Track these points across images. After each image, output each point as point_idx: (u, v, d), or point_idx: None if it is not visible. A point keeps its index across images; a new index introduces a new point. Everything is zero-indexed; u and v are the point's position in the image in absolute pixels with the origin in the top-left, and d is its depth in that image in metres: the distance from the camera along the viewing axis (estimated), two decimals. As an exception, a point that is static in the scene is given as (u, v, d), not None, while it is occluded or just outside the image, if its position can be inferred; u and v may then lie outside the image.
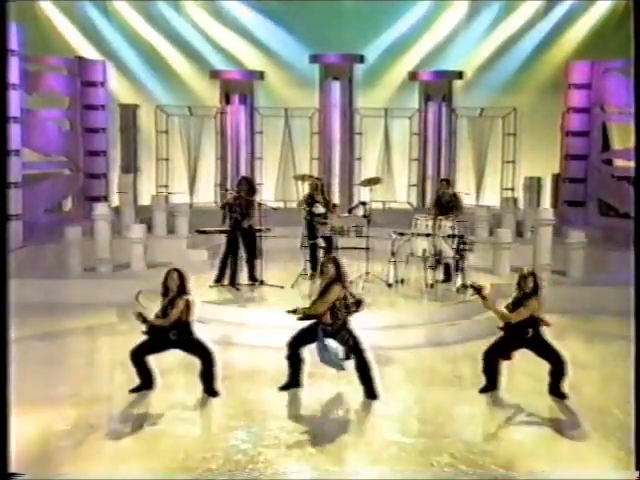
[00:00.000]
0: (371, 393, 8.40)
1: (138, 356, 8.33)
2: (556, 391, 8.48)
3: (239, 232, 11.71)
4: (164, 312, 8.15)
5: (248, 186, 11.88)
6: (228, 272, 11.80)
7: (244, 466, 6.73)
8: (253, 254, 11.83)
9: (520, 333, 8.31)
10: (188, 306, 8.15)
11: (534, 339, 8.38)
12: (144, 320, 8.17)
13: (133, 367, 8.37)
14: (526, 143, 17.61)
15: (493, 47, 17.73)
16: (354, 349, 8.23)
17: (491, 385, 8.62)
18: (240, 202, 11.69)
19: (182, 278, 8.15)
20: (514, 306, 8.37)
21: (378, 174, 17.33)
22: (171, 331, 8.12)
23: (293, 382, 8.61)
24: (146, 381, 8.41)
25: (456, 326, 10.80)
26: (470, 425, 7.83)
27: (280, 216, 13.15)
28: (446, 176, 16.68)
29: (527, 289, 8.35)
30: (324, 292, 8.15)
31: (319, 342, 8.15)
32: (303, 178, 13.53)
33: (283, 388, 8.59)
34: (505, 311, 8.35)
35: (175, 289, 8.12)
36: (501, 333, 8.46)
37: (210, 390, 8.36)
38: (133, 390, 8.39)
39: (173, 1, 17.67)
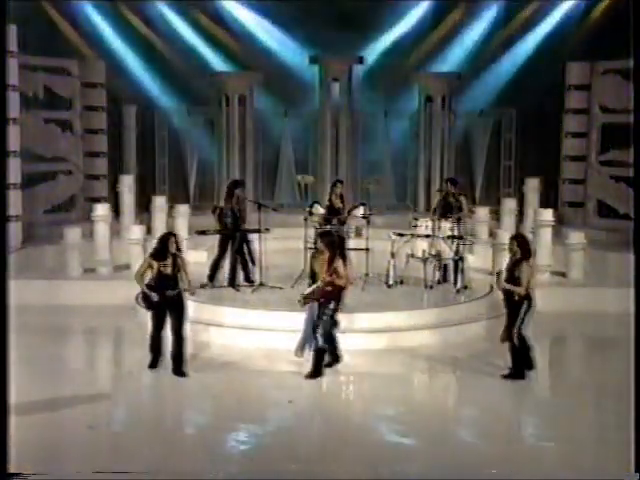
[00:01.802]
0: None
1: (157, 335, 9.05)
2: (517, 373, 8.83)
3: (234, 234, 11.74)
4: (160, 272, 8.80)
5: (240, 188, 11.97)
6: (226, 273, 11.84)
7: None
8: (243, 256, 11.86)
9: (517, 309, 8.67)
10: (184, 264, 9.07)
11: (517, 304, 8.69)
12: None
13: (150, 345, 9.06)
14: (525, 144, 17.60)
15: (492, 48, 17.72)
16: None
17: (518, 371, 8.80)
18: (232, 204, 11.73)
19: (177, 241, 8.99)
20: (509, 272, 8.70)
21: (378, 175, 17.33)
22: (166, 288, 8.82)
23: (333, 359, 8.93)
24: (156, 358, 9.14)
25: (456, 327, 10.78)
26: (475, 426, 7.82)
27: (280, 217, 13.13)
28: (446, 177, 16.68)
29: (514, 252, 8.72)
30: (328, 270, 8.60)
31: (325, 316, 8.60)
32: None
33: (310, 377, 8.79)
34: (515, 287, 8.65)
35: (174, 251, 8.86)
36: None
37: (179, 371, 8.88)
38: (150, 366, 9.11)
39: (173, 2, 17.65)
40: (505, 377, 8.80)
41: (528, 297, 8.71)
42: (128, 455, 7.03)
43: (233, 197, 11.80)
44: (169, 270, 8.82)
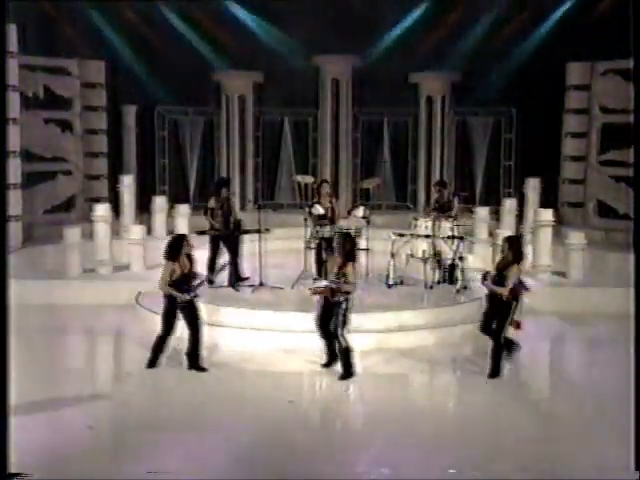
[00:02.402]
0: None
1: (166, 337, 9.13)
2: (494, 373, 8.87)
3: (226, 234, 11.77)
4: (183, 273, 8.95)
5: (225, 187, 12.05)
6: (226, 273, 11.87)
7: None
8: (237, 255, 11.89)
9: (506, 309, 8.76)
10: None
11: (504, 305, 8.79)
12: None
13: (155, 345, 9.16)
14: (525, 144, 17.60)
15: (493, 48, 17.71)
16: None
17: (497, 369, 8.87)
18: (223, 204, 11.77)
19: (188, 241, 9.20)
20: (497, 272, 8.86)
21: (377, 175, 17.35)
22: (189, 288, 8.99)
23: (332, 358, 9.11)
24: (154, 359, 9.22)
25: (456, 327, 10.78)
26: (475, 426, 7.81)
27: (279, 217, 13.15)
28: (446, 177, 16.72)
29: (505, 253, 8.87)
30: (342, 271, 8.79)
31: (339, 315, 8.77)
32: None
33: (326, 365, 9.11)
34: (499, 288, 8.77)
35: (188, 252, 9.07)
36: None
37: (197, 366, 9.07)
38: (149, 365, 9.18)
39: (173, 1, 17.62)
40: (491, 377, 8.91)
41: (516, 297, 8.77)
42: (128, 455, 7.03)
43: (221, 196, 11.89)
44: (187, 269, 9.01)
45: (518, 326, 8.81)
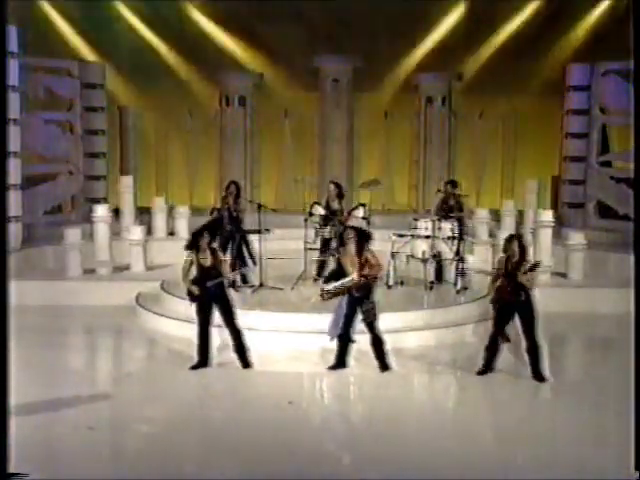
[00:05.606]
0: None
1: (204, 331, 9.04)
2: (537, 375, 8.90)
3: (233, 235, 11.80)
4: (200, 265, 8.98)
5: (237, 190, 12.08)
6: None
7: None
8: (242, 257, 11.90)
9: (514, 296, 8.67)
10: None
11: (526, 303, 8.75)
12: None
13: (198, 342, 9.07)
14: (526, 145, 17.61)
15: (493, 49, 17.73)
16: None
17: (488, 368, 8.91)
18: (229, 206, 11.85)
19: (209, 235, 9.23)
20: (506, 273, 8.69)
21: (378, 176, 17.34)
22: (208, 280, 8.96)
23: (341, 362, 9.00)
24: (204, 359, 9.13)
25: (456, 328, 10.78)
26: (476, 426, 7.81)
27: (280, 218, 13.16)
28: (446, 178, 16.70)
29: (510, 252, 8.69)
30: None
31: (368, 310, 8.81)
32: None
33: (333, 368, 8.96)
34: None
35: (205, 245, 9.07)
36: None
37: (246, 363, 9.14)
38: (193, 367, 9.07)
39: (173, 2, 17.63)
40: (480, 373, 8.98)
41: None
42: (128, 456, 7.03)
43: (228, 198, 11.96)
44: (208, 262, 8.96)
45: (508, 339, 8.87)
